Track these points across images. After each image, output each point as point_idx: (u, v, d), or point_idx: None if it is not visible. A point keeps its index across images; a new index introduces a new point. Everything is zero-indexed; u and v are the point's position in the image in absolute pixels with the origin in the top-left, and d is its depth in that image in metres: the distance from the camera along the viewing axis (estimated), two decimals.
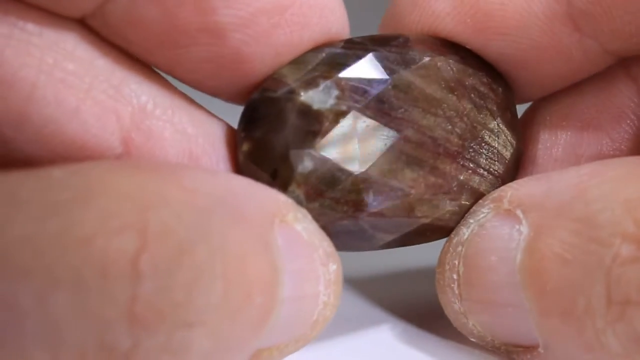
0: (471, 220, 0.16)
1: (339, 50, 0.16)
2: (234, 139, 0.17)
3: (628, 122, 0.18)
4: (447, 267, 0.16)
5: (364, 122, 0.16)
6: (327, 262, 0.15)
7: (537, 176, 0.16)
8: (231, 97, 0.17)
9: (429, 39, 0.17)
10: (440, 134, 0.16)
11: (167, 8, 0.15)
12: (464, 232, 0.16)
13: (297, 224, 0.15)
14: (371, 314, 0.19)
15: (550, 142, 0.19)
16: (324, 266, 0.15)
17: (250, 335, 0.13)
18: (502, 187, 0.16)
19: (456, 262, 0.16)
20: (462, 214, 0.17)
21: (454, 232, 0.17)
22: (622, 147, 0.18)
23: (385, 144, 0.16)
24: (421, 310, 0.19)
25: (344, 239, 0.16)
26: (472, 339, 0.16)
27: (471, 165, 0.17)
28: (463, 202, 0.17)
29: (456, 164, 0.16)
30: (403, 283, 0.22)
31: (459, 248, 0.16)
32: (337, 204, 0.16)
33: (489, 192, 0.17)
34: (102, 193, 0.12)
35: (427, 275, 0.17)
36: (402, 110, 0.16)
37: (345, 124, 0.16)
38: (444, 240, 0.17)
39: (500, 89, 0.18)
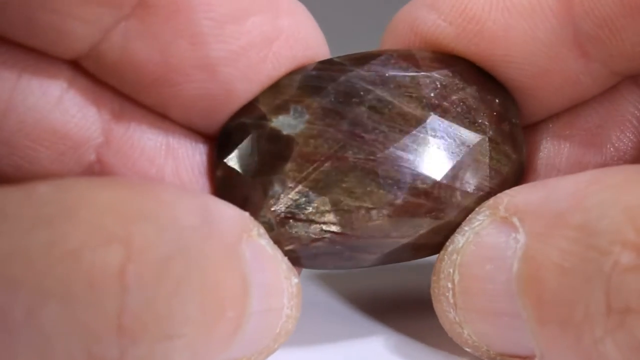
0: (466, 228, 0.16)
1: (313, 73, 0.16)
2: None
3: (632, 130, 0.18)
4: (442, 275, 0.16)
5: (336, 146, 0.16)
6: (290, 275, 0.16)
7: (534, 183, 0.16)
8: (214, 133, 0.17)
9: (417, 53, 0.17)
10: (420, 153, 0.16)
11: (161, 45, 0.15)
12: (459, 240, 0.16)
13: (261, 239, 0.15)
14: (364, 325, 0.19)
15: (554, 152, 0.19)
16: (287, 279, 0.15)
17: (221, 348, 0.14)
18: (498, 195, 0.16)
19: (451, 271, 0.16)
20: (451, 230, 0.16)
21: (449, 241, 0.16)
22: (626, 156, 0.18)
23: (358, 167, 0.16)
24: (415, 320, 0.19)
25: (323, 259, 0.16)
26: (466, 349, 0.16)
27: (458, 183, 0.16)
28: (450, 220, 0.16)
29: (439, 183, 0.16)
30: (397, 292, 0.21)
31: (454, 256, 0.16)
32: (310, 226, 0.16)
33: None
34: (87, 207, 0.12)
35: (422, 284, 0.17)
36: (377, 131, 0.16)
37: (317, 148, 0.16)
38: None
39: (497, 100, 0.17)
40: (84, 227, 0.12)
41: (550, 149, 0.19)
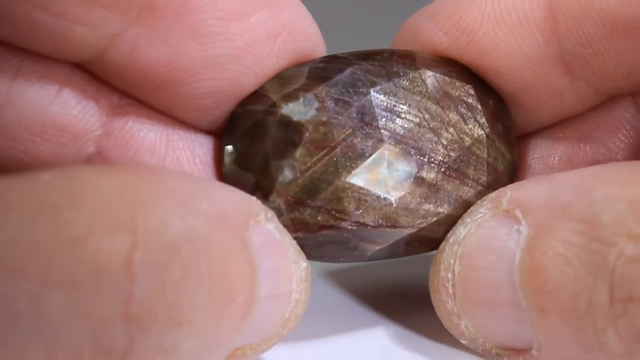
0: (468, 220, 0.16)
1: (320, 65, 0.17)
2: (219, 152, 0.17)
3: (624, 132, 0.18)
4: (442, 266, 0.16)
5: (345, 133, 0.16)
6: (298, 260, 0.15)
7: (537, 178, 0.16)
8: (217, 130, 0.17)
9: (416, 54, 0.17)
10: (425, 144, 0.16)
11: (170, 48, 0.15)
12: (461, 231, 0.16)
13: (268, 223, 0.15)
14: (365, 316, 0.19)
15: (547, 152, 0.19)
16: (295, 264, 0.15)
17: (230, 334, 0.14)
18: (501, 189, 0.16)
19: (452, 261, 0.16)
20: (451, 224, 0.17)
21: (450, 232, 0.16)
22: (618, 157, 0.18)
23: (367, 154, 0.16)
24: (417, 313, 0.19)
25: (328, 248, 0.16)
26: (462, 341, 0.16)
27: (459, 176, 0.17)
28: (451, 212, 0.16)
29: (442, 174, 0.16)
30: (398, 285, 0.21)
31: (455, 247, 0.16)
32: (319, 213, 0.16)
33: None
34: (91, 194, 0.12)
35: (424, 279, 0.17)
36: (384, 120, 0.16)
37: (326, 135, 0.16)
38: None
39: (491, 101, 0.18)
40: (90, 215, 0.12)
41: (544, 150, 0.19)
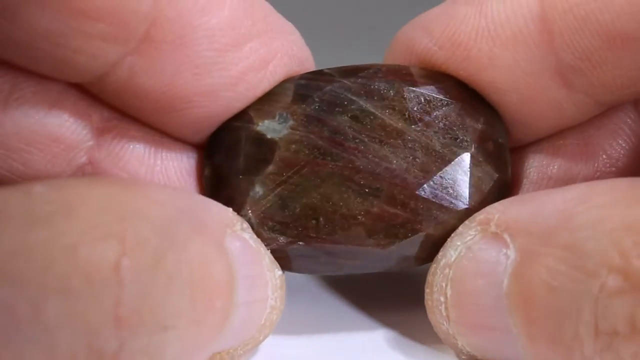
0: (458, 243, 0.16)
1: (302, 82, 0.17)
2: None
3: (624, 137, 0.18)
4: (435, 288, 0.16)
5: (315, 152, 0.16)
6: (273, 268, 0.16)
7: (523, 197, 0.16)
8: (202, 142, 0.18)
9: (405, 69, 0.17)
10: (399, 165, 0.16)
11: (166, 78, 0.16)
12: (452, 254, 0.16)
13: (244, 233, 0.16)
14: (364, 320, 0.19)
15: (546, 160, 0.19)
16: (270, 272, 0.16)
17: (210, 339, 0.14)
18: (488, 209, 0.16)
19: (444, 285, 0.16)
20: (427, 244, 0.17)
21: (440, 254, 0.16)
22: (619, 162, 0.18)
23: (337, 174, 0.16)
24: (414, 316, 0.19)
25: (300, 262, 0.17)
26: (462, 357, 0.16)
27: (436, 197, 0.16)
28: (428, 232, 0.16)
29: (417, 195, 0.16)
30: (396, 289, 0.21)
31: (447, 270, 0.16)
32: (287, 228, 0.16)
33: (458, 223, 0.16)
34: (83, 205, 0.13)
35: (422, 281, 0.17)
36: (357, 140, 0.16)
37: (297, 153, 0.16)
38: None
39: (482, 118, 0.17)
40: (81, 224, 0.12)
41: (544, 158, 0.19)
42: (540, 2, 0.16)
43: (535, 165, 0.19)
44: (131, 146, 0.17)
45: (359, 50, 0.19)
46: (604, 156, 0.18)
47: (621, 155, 0.18)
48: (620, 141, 0.18)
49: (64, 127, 0.16)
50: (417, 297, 0.17)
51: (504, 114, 0.18)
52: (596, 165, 0.18)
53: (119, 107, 0.17)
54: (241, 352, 0.16)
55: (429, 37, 0.17)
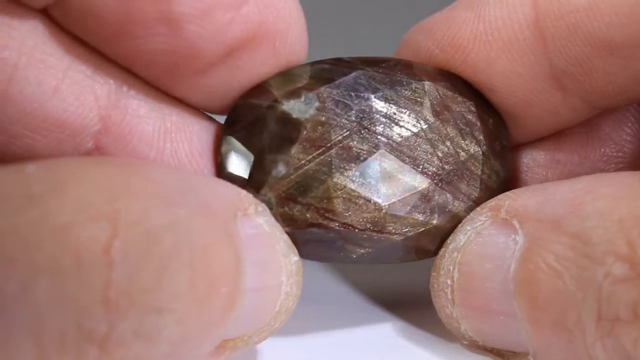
0: (468, 228, 0.16)
1: (326, 66, 0.17)
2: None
3: (630, 125, 0.18)
4: (442, 272, 0.16)
5: (342, 135, 0.16)
6: (289, 253, 0.16)
7: (534, 187, 0.16)
8: (197, 103, 0.17)
9: (421, 65, 0.18)
10: (420, 154, 0.17)
11: None
12: (461, 238, 0.16)
13: (258, 217, 0.15)
14: (371, 311, 0.19)
15: (554, 147, 0.19)
16: (285, 257, 0.15)
17: (215, 325, 0.14)
18: (500, 197, 0.16)
19: (451, 268, 0.16)
20: (438, 236, 0.17)
21: (450, 238, 0.17)
22: (625, 149, 0.18)
23: (361, 157, 0.16)
24: (421, 308, 0.19)
25: (313, 247, 0.17)
26: (463, 342, 0.17)
27: (451, 189, 0.17)
28: (439, 224, 0.17)
29: (434, 185, 0.17)
30: (403, 280, 0.22)
31: (455, 254, 0.16)
32: (308, 210, 0.16)
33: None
34: (75, 185, 0.12)
35: (427, 272, 0.17)
36: (382, 127, 0.16)
37: (323, 135, 0.16)
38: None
39: (491, 120, 0.18)
40: (72, 204, 0.12)
41: (552, 144, 0.19)
42: (534, 8, 0.16)
43: (543, 152, 0.19)
44: (139, 129, 0.17)
45: (359, 50, 0.19)
46: (610, 142, 0.18)
47: (627, 142, 0.18)
48: (625, 128, 0.18)
49: (68, 112, 0.16)
50: (423, 289, 0.17)
51: (503, 116, 0.18)
52: (603, 151, 0.18)
53: (83, 37, 0.16)
54: (256, 339, 0.15)
55: (432, 40, 0.18)
